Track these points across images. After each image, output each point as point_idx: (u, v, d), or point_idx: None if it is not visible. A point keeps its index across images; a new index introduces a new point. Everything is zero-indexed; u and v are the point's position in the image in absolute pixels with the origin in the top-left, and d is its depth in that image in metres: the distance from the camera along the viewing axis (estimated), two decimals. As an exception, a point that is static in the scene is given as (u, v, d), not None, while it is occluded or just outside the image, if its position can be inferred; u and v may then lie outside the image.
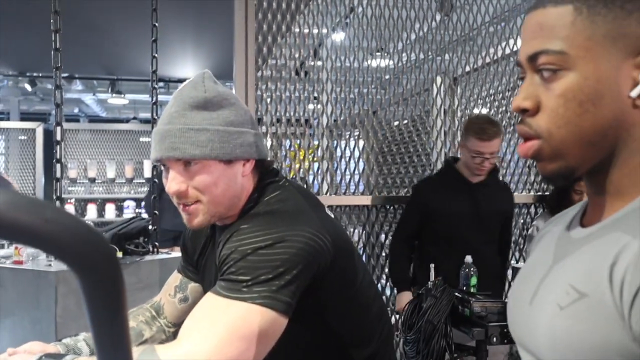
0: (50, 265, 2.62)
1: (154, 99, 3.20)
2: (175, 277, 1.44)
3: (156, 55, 3.14)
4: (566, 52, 0.67)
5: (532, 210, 3.37)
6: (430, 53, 3.33)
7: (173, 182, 1.16)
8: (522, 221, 3.36)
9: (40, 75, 8.29)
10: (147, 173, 7.27)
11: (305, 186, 3.10)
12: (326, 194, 3.06)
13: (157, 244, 3.13)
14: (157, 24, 3.11)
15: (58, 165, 2.81)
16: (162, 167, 1.21)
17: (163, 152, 1.15)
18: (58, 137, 2.78)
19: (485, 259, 2.62)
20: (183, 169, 1.15)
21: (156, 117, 3.19)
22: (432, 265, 2.43)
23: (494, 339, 2.09)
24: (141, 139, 7.87)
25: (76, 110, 11.55)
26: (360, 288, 1.26)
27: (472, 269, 2.51)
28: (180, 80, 7.67)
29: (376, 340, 1.29)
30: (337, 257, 1.15)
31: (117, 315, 0.53)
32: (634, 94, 0.66)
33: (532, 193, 3.37)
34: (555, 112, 0.68)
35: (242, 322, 1.00)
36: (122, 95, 8.93)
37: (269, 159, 1.27)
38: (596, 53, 0.67)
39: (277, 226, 1.10)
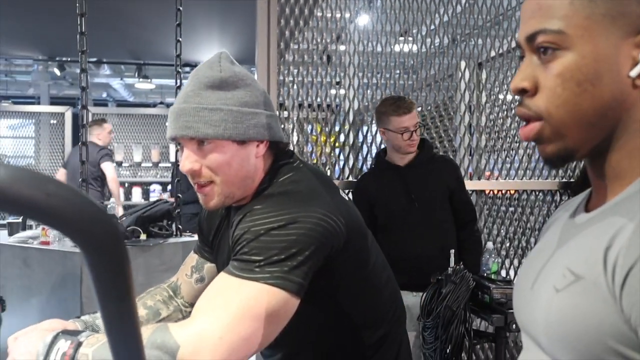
0: (76, 246, 2.68)
1: (179, 82, 3.23)
2: (192, 258, 1.46)
3: (180, 39, 3.16)
4: (564, 31, 0.66)
5: (557, 197, 3.33)
6: (456, 38, 3.29)
7: (187, 161, 1.17)
8: (546, 208, 3.31)
9: (69, 59, 8.40)
10: (173, 157, 7.35)
11: (328, 172, 3.10)
12: (347, 178, 3.06)
13: (180, 226, 3.17)
14: (181, 8, 3.13)
15: (84, 148, 2.86)
16: (178, 145, 1.23)
17: (177, 131, 1.16)
18: (84, 121, 2.83)
19: (427, 244, 2.51)
20: (197, 148, 1.17)
21: (180, 101, 3.22)
22: (452, 251, 2.42)
23: (514, 325, 2.08)
24: (167, 124, 7.94)
25: (104, 95, 11.70)
26: (373, 270, 1.26)
27: (492, 255, 2.49)
28: (206, 65, 7.69)
29: (388, 322, 1.30)
30: (350, 239, 1.15)
31: (123, 288, 0.54)
32: (633, 73, 0.65)
33: (557, 180, 3.32)
34: (554, 92, 0.67)
35: (254, 302, 1.01)
36: (149, 80, 9.01)
37: (284, 141, 1.27)
38: (595, 32, 0.66)
39: (290, 207, 1.10)
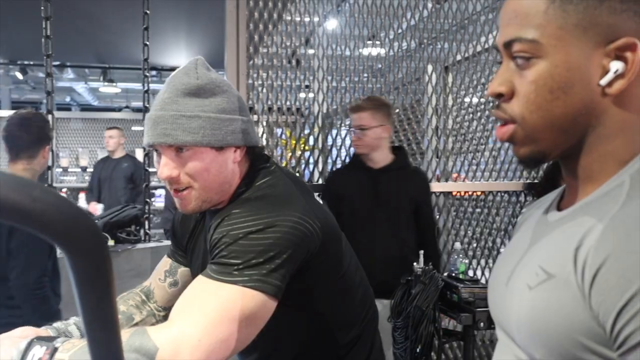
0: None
1: (146, 87, 3.20)
2: (165, 262, 1.45)
3: (147, 43, 3.14)
4: (538, 40, 0.69)
5: (522, 198, 3.40)
6: (422, 42, 3.34)
7: (165, 168, 1.17)
8: (511, 209, 3.39)
9: (32, 63, 8.24)
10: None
11: (297, 174, 3.11)
12: (317, 181, 3.08)
13: (148, 231, 3.15)
14: (148, 12, 3.11)
15: (50, 154, 2.81)
16: (155, 152, 1.23)
17: (155, 138, 1.16)
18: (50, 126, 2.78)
19: (385, 246, 2.53)
20: (175, 155, 1.17)
21: (148, 106, 3.19)
22: (421, 252, 2.46)
23: (481, 324, 2.12)
24: (133, 128, 7.85)
25: (68, 99, 11.49)
26: (347, 272, 1.28)
27: (460, 255, 2.54)
28: (173, 69, 7.61)
29: (361, 322, 1.32)
30: (326, 242, 1.17)
31: (105, 293, 0.54)
32: (603, 82, 0.67)
33: (521, 181, 3.40)
34: (527, 98, 0.70)
35: (232, 305, 1.02)
36: (114, 84, 8.89)
37: (260, 145, 1.29)
38: (567, 42, 0.68)
39: (267, 211, 1.12)
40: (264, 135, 3.04)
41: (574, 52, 0.68)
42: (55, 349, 0.99)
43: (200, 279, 1.09)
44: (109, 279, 0.54)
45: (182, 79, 1.18)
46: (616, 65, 0.67)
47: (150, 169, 7.09)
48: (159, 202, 7.20)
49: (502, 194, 3.40)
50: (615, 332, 0.58)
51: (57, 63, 8.11)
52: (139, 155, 7.15)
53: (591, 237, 0.63)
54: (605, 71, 0.68)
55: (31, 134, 2.23)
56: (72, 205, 0.47)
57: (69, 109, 11.30)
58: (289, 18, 3.04)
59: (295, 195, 1.19)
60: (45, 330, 1.22)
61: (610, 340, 0.59)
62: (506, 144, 3.40)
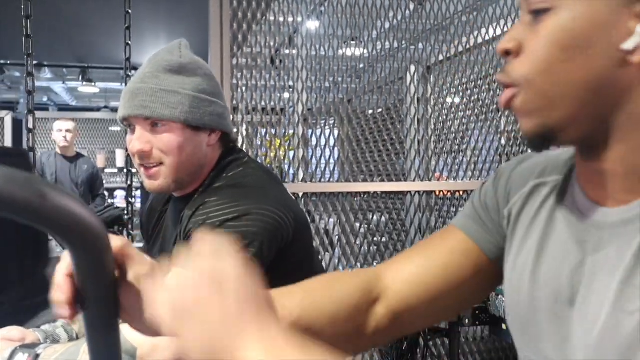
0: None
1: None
2: None
3: (129, 42, 3.12)
4: None
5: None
6: (404, 42, 3.36)
7: (137, 141, 1.17)
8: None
9: (9, 62, 8.11)
10: (120, 162, 7.19)
11: (280, 174, 3.11)
12: (301, 181, 3.08)
13: (131, 232, 3.12)
14: (130, 11, 3.09)
15: (30, 154, 2.78)
16: (128, 128, 1.22)
17: (132, 110, 1.15)
18: (30, 125, 2.75)
19: None
20: (150, 129, 1.17)
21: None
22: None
23: (466, 320, 2.14)
24: (112, 128, 7.77)
25: (45, 99, 11.33)
26: (317, 263, 1.30)
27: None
28: (153, 69, 7.57)
29: None
30: (298, 233, 1.19)
31: (109, 291, 0.54)
32: (627, 46, 0.56)
33: (503, 180, 3.43)
34: (535, 55, 0.60)
35: None
36: (93, 84, 8.80)
37: (234, 135, 1.31)
38: None
39: (242, 199, 1.12)
40: (247, 135, 3.03)
41: (599, 6, 0.56)
42: (37, 356, 1.00)
43: None
44: (113, 278, 0.54)
45: (165, 56, 1.19)
46: None
47: (107, 170, 7.01)
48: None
49: (484, 193, 3.43)
50: None
51: (34, 62, 8.00)
52: (120, 156, 7.09)
53: None
54: (632, 34, 0.56)
55: None
56: (79, 203, 0.47)
57: (46, 109, 11.13)
58: (272, 18, 3.04)
59: (268, 186, 1.21)
60: (33, 333, 1.21)
61: None
62: (488, 143, 3.43)
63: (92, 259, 0.51)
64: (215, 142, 1.24)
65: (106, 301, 0.55)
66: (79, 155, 4.95)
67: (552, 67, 0.58)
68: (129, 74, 3.18)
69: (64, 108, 11.46)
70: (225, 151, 1.27)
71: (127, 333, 0.99)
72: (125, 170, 3.17)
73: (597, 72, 0.57)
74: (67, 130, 4.70)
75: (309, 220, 1.34)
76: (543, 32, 0.59)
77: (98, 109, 10.64)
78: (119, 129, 7.66)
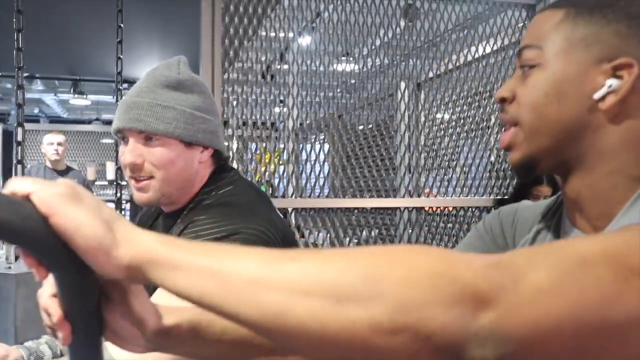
0: (10, 267, 2.58)
1: (118, 100, 3.18)
2: None
3: (121, 56, 3.12)
4: (542, 48, 0.73)
5: (493, 213, 3.45)
6: (395, 59, 3.39)
7: (130, 154, 1.17)
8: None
9: (0, 74, 8.09)
10: (110, 175, 7.17)
11: (270, 189, 3.12)
12: (292, 196, 3.08)
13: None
14: (122, 25, 3.10)
15: (19, 167, 2.77)
16: (121, 141, 1.22)
17: (126, 123, 1.16)
18: (19, 138, 2.74)
19: None
20: (143, 143, 1.17)
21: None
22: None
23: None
24: (103, 141, 7.76)
25: (36, 111, 11.30)
26: None
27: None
28: (145, 82, 7.56)
29: None
30: None
31: (91, 308, 0.54)
32: (596, 95, 0.70)
33: (492, 197, 3.45)
34: (524, 99, 0.74)
35: None
36: (85, 96, 8.79)
37: (226, 153, 1.32)
38: (569, 54, 0.72)
39: (231, 218, 1.13)
40: (238, 149, 3.04)
41: (573, 64, 0.71)
42: None
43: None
44: (95, 294, 0.54)
45: (163, 72, 1.20)
46: (610, 82, 0.70)
47: (98, 183, 6.99)
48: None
49: (473, 210, 3.44)
50: None
51: (26, 74, 7.98)
52: (110, 169, 7.07)
53: None
54: (600, 87, 0.70)
55: None
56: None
57: (37, 121, 11.10)
58: (263, 34, 3.05)
59: (258, 205, 1.21)
60: (17, 350, 1.20)
61: None
62: (477, 159, 3.46)
63: (76, 278, 0.51)
64: (207, 159, 1.25)
65: (90, 319, 0.55)
66: (69, 169, 4.97)
67: (536, 108, 0.73)
68: (120, 87, 3.19)
69: (55, 120, 11.42)
70: (217, 168, 1.28)
71: (113, 350, 0.99)
72: (114, 183, 3.16)
73: (572, 114, 0.71)
74: (59, 144, 4.73)
75: (299, 236, 1.34)
76: (530, 82, 0.74)
77: (89, 122, 10.61)
78: (110, 141, 7.64)
